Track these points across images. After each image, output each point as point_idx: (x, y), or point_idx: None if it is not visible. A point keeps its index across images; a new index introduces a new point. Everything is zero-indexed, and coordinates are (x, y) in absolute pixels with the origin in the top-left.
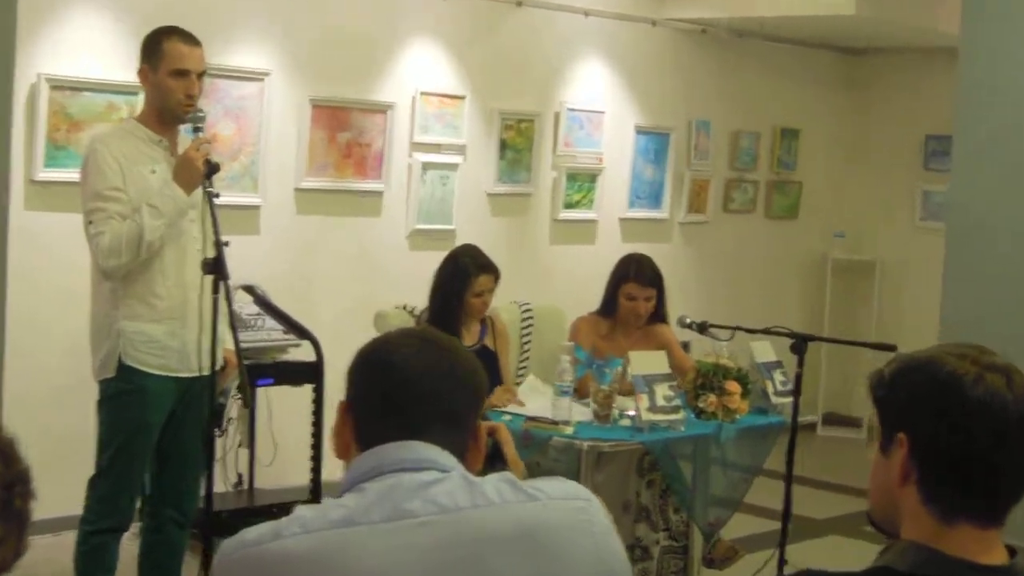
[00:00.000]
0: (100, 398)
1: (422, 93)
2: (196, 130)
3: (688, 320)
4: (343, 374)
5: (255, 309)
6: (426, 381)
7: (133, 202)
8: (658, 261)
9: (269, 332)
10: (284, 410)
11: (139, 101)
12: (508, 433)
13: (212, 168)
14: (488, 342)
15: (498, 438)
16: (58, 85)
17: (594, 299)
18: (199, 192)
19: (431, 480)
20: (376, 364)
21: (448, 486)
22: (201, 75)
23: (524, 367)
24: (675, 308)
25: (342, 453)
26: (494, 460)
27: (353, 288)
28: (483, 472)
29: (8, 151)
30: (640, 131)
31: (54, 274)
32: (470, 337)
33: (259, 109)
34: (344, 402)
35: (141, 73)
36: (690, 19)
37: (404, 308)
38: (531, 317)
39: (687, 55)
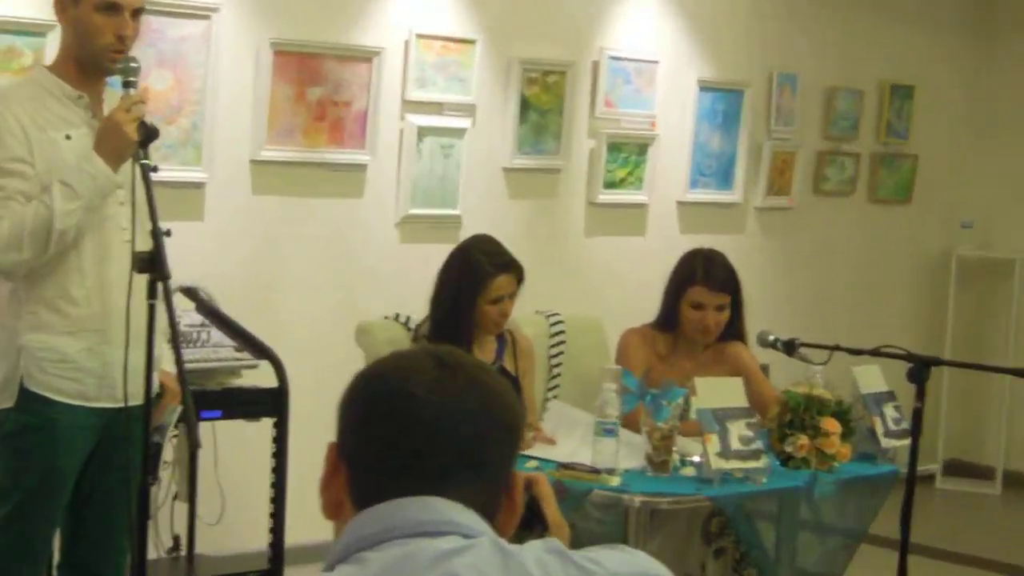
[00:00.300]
0: None
1: (418, 36)
2: (127, 84)
3: (771, 337)
4: (315, 404)
5: (198, 318)
6: (448, 419)
7: (41, 178)
8: (731, 256)
9: (216, 349)
10: (235, 452)
11: (49, 44)
12: (549, 487)
13: (149, 134)
14: (507, 363)
15: (536, 493)
16: None
17: (646, 308)
18: (128, 166)
19: (454, 549)
20: (381, 397)
21: (476, 557)
22: (138, 12)
23: (553, 397)
24: (753, 321)
25: (332, 512)
26: (531, 522)
27: (327, 292)
28: (518, 538)
29: None
30: (705, 87)
31: None
32: (483, 357)
33: (204, 56)
34: (335, 445)
35: (58, 5)
36: None
37: (395, 319)
38: (562, 331)
39: None
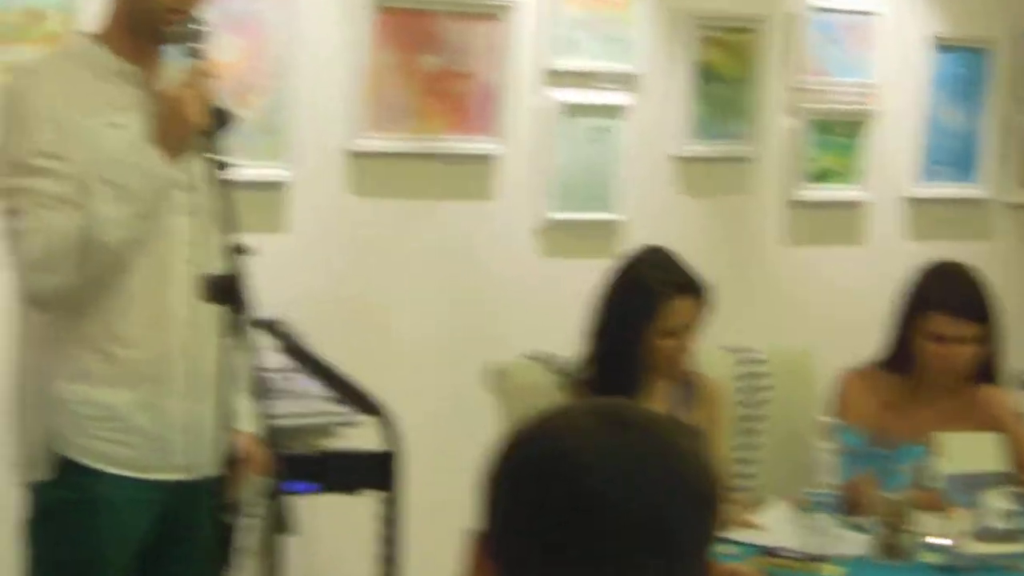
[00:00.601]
0: (27, 515)
1: None
2: (192, 54)
3: None
4: (435, 472)
5: (281, 360)
6: (634, 496)
7: (81, 178)
8: (977, 273)
9: (305, 400)
10: (332, 534)
11: (81, 4)
12: None
13: (221, 119)
14: (687, 414)
15: None
16: None
17: (867, 340)
18: (196, 162)
19: None
20: (538, 469)
21: None
22: None
23: (748, 458)
24: (1011, 357)
25: None
26: None
27: (447, 323)
28: None
29: None
30: (942, 46)
31: None
32: (656, 408)
33: (285, 16)
34: (478, 536)
35: None
36: None
37: (538, 358)
38: (759, 372)
39: None
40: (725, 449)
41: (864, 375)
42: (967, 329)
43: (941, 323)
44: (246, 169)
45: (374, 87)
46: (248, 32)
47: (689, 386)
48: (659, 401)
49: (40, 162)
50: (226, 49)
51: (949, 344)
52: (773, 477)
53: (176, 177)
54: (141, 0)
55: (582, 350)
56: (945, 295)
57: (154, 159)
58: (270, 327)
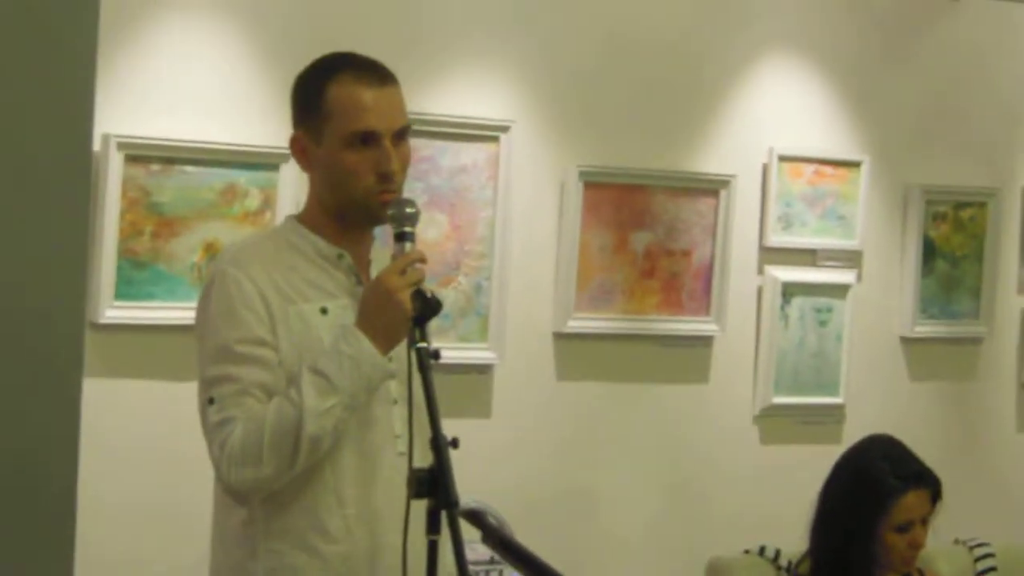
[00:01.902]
0: None
1: (782, 158)
2: (400, 237)
3: None
4: None
5: (486, 552)
6: None
7: (288, 366)
8: None
9: None
10: None
11: (283, 180)
12: None
13: (428, 306)
14: None
15: None
16: (138, 153)
17: None
18: (402, 349)
19: None
20: None
21: None
22: (402, 133)
23: None
24: None
25: None
26: None
27: (662, 512)
28: None
29: (83, 273)
30: None
31: (127, 486)
32: None
33: (491, 192)
34: None
35: (295, 144)
36: None
37: (760, 553)
38: (993, 568)
39: None
40: None
41: None
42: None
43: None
44: (450, 351)
45: (584, 265)
46: (452, 209)
47: None
48: None
49: (248, 349)
50: (430, 226)
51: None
52: None
53: (387, 368)
54: (344, 189)
55: (807, 545)
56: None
57: (364, 348)
58: (474, 517)
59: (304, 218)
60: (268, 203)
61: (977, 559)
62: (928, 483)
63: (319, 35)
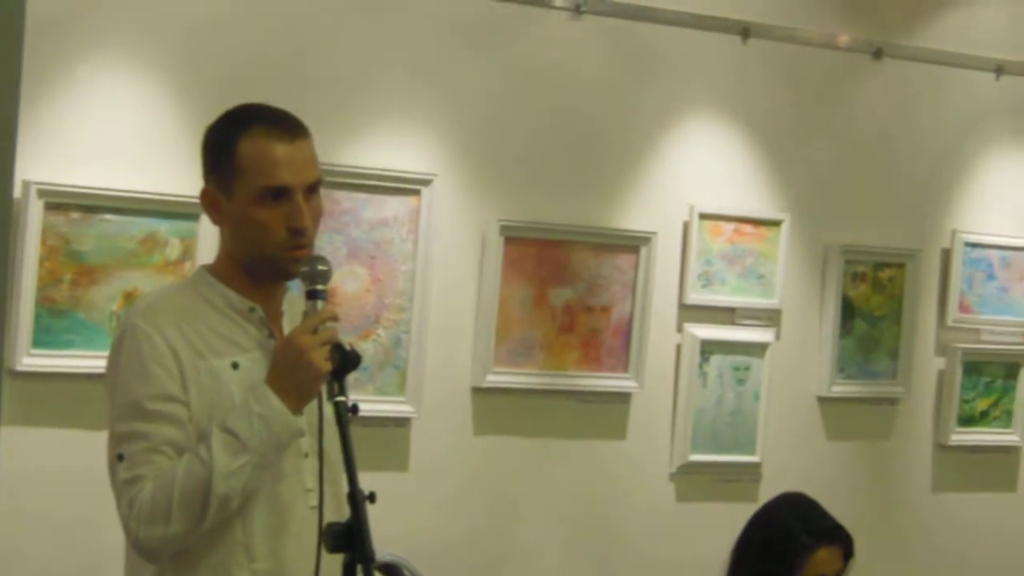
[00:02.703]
0: None
1: (702, 216)
2: (312, 295)
3: None
4: None
5: None
6: None
7: (198, 422)
8: None
9: None
10: None
11: (204, 230)
12: None
13: (346, 361)
14: None
15: None
16: (58, 200)
17: None
18: (314, 406)
19: None
20: None
21: None
22: (314, 188)
23: None
24: None
25: None
26: None
27: (577, 569)
28: None
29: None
30: None
31: (42, 535)
32: None
33: (411, 246)
34: None
35: (205, 198)
36: None
37: None
38: None
39: None
40: None
41: None
42: None
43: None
44: (368, 405)
45: (503, 320)
46: (372, 262)
47: None
48: None
49: (158, 406)
50: (349, 279)
51: None
52: None
53: (298, 427)
54: (255, 244)
55: None
56: None
57: (274, 406)
58: (391, 572)
59: (215, 270)
60: (188, 252)
61: None
62: (840, 540)
63: (240, 85)
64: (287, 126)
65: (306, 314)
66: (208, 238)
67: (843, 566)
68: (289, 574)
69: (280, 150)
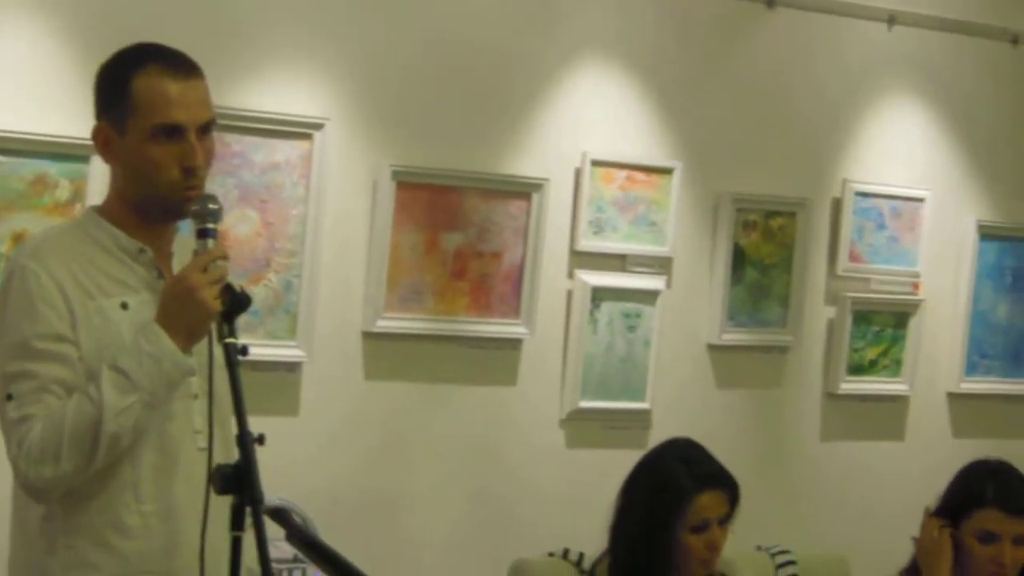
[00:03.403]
0: None
1: (595, 163)
2: (203, 233)
3: None
4: None
5: (290, 551)
6: None
7: (88, 362)
8: None
9: None
10: None
11: (93, 172)
12: None
13: (236, 302)
14: None
15: None
16: None
17: (909, 543)
18: (203, 345)
19: None
20: None
21: None
22: (207, 128)
23: None
24: None
25: None
26: None
27: (467, 515)
28: None
29: None
30: (987, 234)
31: None
32: None
33: (303, 190)
34: None
35: (98, 135)
36: None
37: (563, 556)
38: (794, 575)
39: None
40: None
41: None
42: (1019, 526)
43: (990, 520)
44: (259, 349)
45: (394, 266)
46: (263, 206)
47: None
48: None
49: (47, 346)
50: (241, 223)
51: (1000, 543)
52: None
53: (189, 366)
54: (147, 182)
55: (608, 547)
56: (994, 490)
57: (165, 345)
58: (279, 515)
59: (105, 210)
60: (78, 194)
61: (779, 566)
62: (724, 484)
63: (131, 24)
64: (182, 66)
65: (196, 253)
66: (98, 180)
67: (728, 511)
68: (177, 515)
69: (174, 88)
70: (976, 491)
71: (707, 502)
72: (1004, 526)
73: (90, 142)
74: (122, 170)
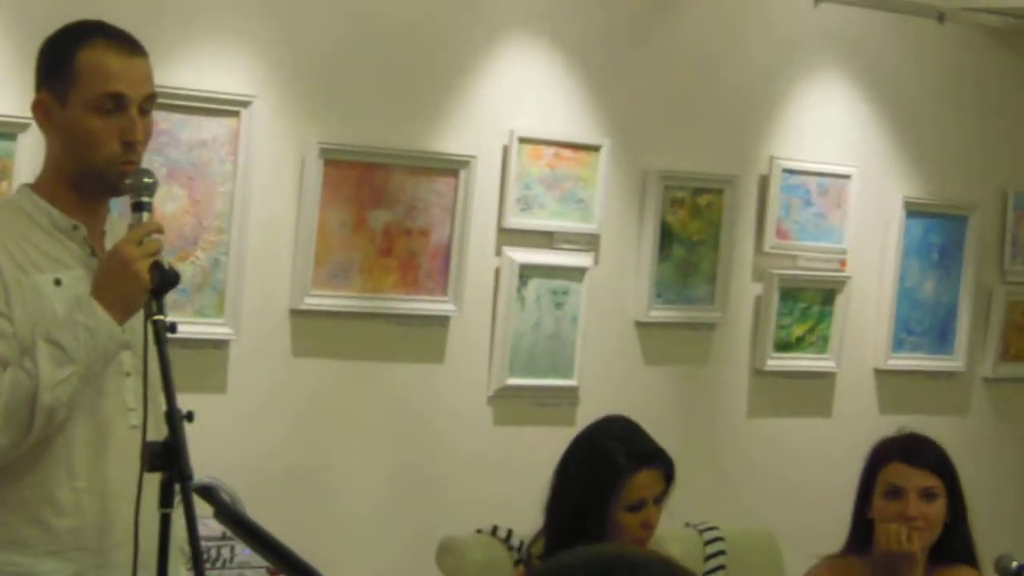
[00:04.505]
0: None
1: (522, 140)
2: (138, 207)
3: (1015, 564)
4: None
5: (218, 528)
6: None
7: (21, 337)
8: (952, 448)
9: (243, 571)
10: None
11: (21, 149)
12: None
13: (165, 279)
14: None
15: None
16: None
17: (838, 519)
18: (137, 323)
19: None
20: None
21: None
22: (147, 103)
23: None
24: (986, 539)
25: None
26: None
27: (395, 493)
28: None
29: None
30: (917, 211)
31: None
32: None
33: (231, 167)
34: None
35: (38, 107)
36: (1015, 8)
37: (492, 533)
38: (722, 552)
39: (1004, 75)
40: None
41: (836, 567)
42: (923, 479)
43: (897, 473)
44: (186, 326)
45: (322, 242)
46: (191, 183)
47: None
48: None
49: None
50: (168, 200)
51: (905, 497)
52: None
53: (124, 339)
54: (86, 155)
55: (540, 525)
56: (897, 445)
57: (100, 317)
58: (207, 492)
59: (39, 187)
60: (4, 173)
61: (707, 542)
62: (660, 463)
63: (58, 4)
64: (128, 42)
65: (131, 227)
66: (26, 158)
67: (664, 489)
68: (111, 492)
69: (119, 62)
70: (881, 451)
71: (644, 480)
72: (908, 478)
73: (17, 119)
74: (60, 142)
